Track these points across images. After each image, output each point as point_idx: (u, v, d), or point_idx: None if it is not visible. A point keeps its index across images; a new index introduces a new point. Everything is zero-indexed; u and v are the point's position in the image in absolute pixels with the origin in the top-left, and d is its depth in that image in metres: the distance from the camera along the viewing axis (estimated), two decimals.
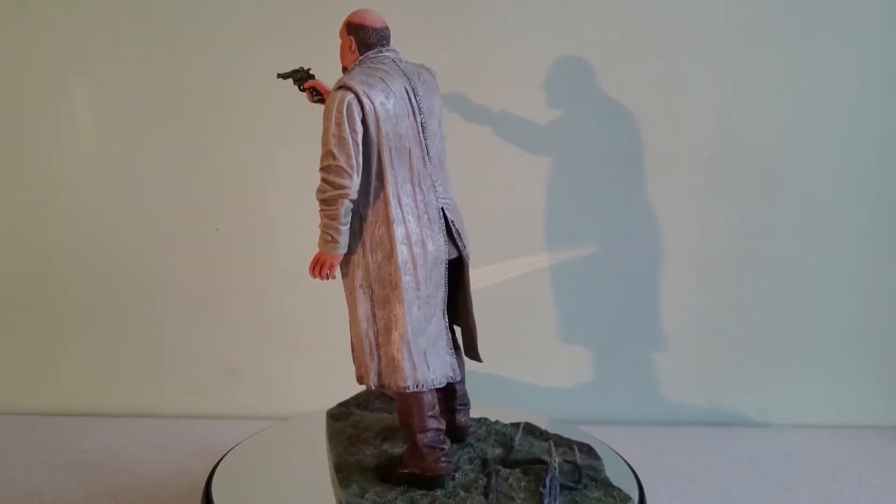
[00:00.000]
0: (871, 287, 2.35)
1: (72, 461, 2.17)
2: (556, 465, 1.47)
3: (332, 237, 1.41)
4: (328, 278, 1.46)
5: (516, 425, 1.68)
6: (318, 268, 1.45)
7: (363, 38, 1.46)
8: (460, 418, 1.61)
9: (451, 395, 1.60)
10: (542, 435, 1.66)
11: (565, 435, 1.65)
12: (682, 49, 2.28)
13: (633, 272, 2.39)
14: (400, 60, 1.48)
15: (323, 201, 1.40)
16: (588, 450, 1.60)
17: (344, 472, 1.55)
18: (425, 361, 1.45)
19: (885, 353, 2.37)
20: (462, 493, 1.44)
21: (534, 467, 1.49)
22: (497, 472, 1.49)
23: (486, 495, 1.43)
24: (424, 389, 1.45)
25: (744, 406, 2.41)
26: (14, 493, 1.98)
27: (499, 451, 1.58)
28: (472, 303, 1.55)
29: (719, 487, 1.98)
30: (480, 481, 1.47)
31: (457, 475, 1.49)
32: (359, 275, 1.45)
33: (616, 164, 2.35)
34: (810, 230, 2.33)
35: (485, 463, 1.53)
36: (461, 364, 1.59)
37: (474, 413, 1.69)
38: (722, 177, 2.33)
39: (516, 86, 2.30)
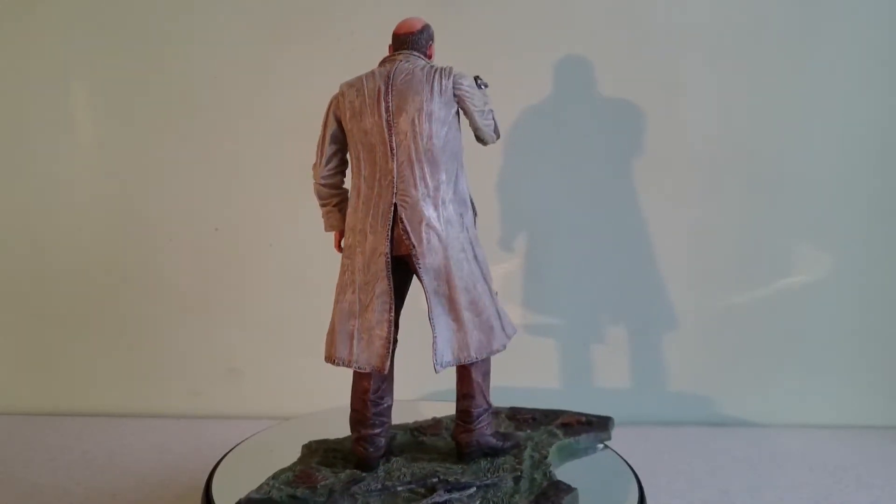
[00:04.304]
0: (871, 287, 2.35)
1: (72, 461, 2.17)
2: None
3: (322, 215, 1.64)
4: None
5: (555, 487, 1.46)
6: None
7: (392, 44, 1.59)
8: (457, 433, 1.59)
9: (457, 408, 1.60)
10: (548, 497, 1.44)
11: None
12: (683, 49, 2.28)
13: (633, 272, 2.39)
14: (402, 61, 1.52)
15: None
16: None
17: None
18: (348, 343, 1.51)
19: (884, 354, 2.37)
20: (354, 489, 1.45)
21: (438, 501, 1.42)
22: (411, 491, 1.44)
23: (354, 498, 1.41)
24: (336, 366, 1.52)
25: (744, 406, 2.41)
26: (14, 493, 1.98)
27: (466, 479, 1.48)
28: (435, 308, 1.48)
29: (719, 487, 1.98)
30: (385, 490, 1.44)
31: (397, 478, 1.49)
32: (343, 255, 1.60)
33: (617, 164, 2.35)
34: (810, 230, 2.33)
35: (422, 481, 1.47)
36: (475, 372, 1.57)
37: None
38: (722, 176, 2.33)
39: (517, 85, 2.30)
